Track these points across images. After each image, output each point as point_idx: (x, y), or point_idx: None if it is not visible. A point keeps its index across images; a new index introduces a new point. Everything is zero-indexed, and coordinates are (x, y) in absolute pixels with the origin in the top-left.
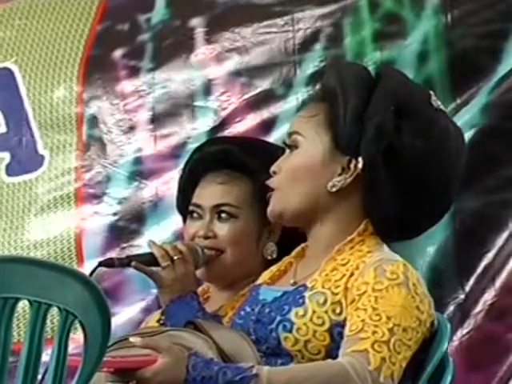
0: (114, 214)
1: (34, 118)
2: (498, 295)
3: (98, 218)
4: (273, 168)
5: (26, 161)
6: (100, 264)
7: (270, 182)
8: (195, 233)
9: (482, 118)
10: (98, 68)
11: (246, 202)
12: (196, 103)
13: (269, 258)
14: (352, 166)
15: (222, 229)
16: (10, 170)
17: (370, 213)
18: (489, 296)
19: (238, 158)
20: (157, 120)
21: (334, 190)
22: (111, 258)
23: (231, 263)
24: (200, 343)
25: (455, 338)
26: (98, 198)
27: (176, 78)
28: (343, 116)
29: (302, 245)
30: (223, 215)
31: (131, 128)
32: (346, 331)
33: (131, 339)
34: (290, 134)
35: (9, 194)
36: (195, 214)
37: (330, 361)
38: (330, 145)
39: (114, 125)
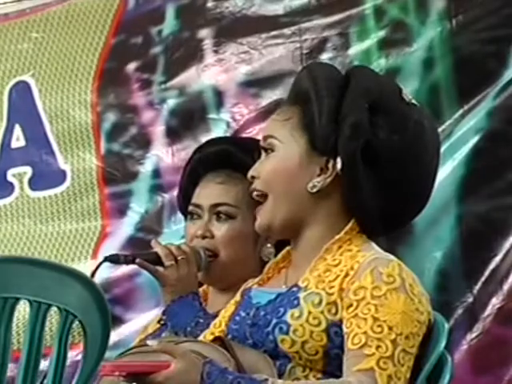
0: (136, 227)
1: (52, 132)
2: (505, 299)
3: (119, 232)
4: (251, 173)
5: (48, 175)
6: (105, 259)
7: (256, 185)
8: (194, 233)
9: (487, 123)
10: (111, 81)
11: (245, 202)
12: (209, 116)
13: (266, 259)
14: (330, 166)
15: (220, 229)
16: (34, 185)
17: (353, 211)
18: (497, 300)
19: (238, 158)
20: (172, 133)
21: (315, 190)
22: (117, 254)
23: (226, 264)
24: (217, 356)
25: (464, 341)
26: (121, 212)
27: (187, 91)
28: (318, 117)
29: (288, 248)
30: (221, 216)
31: (147, 142)
32: (349, 344)
33: (148, 342)
34: (265, 138)
35: (35, 209)
36: (195, 215)
37: (341, 379)
38: (307, 147)
39: (131, 139)
